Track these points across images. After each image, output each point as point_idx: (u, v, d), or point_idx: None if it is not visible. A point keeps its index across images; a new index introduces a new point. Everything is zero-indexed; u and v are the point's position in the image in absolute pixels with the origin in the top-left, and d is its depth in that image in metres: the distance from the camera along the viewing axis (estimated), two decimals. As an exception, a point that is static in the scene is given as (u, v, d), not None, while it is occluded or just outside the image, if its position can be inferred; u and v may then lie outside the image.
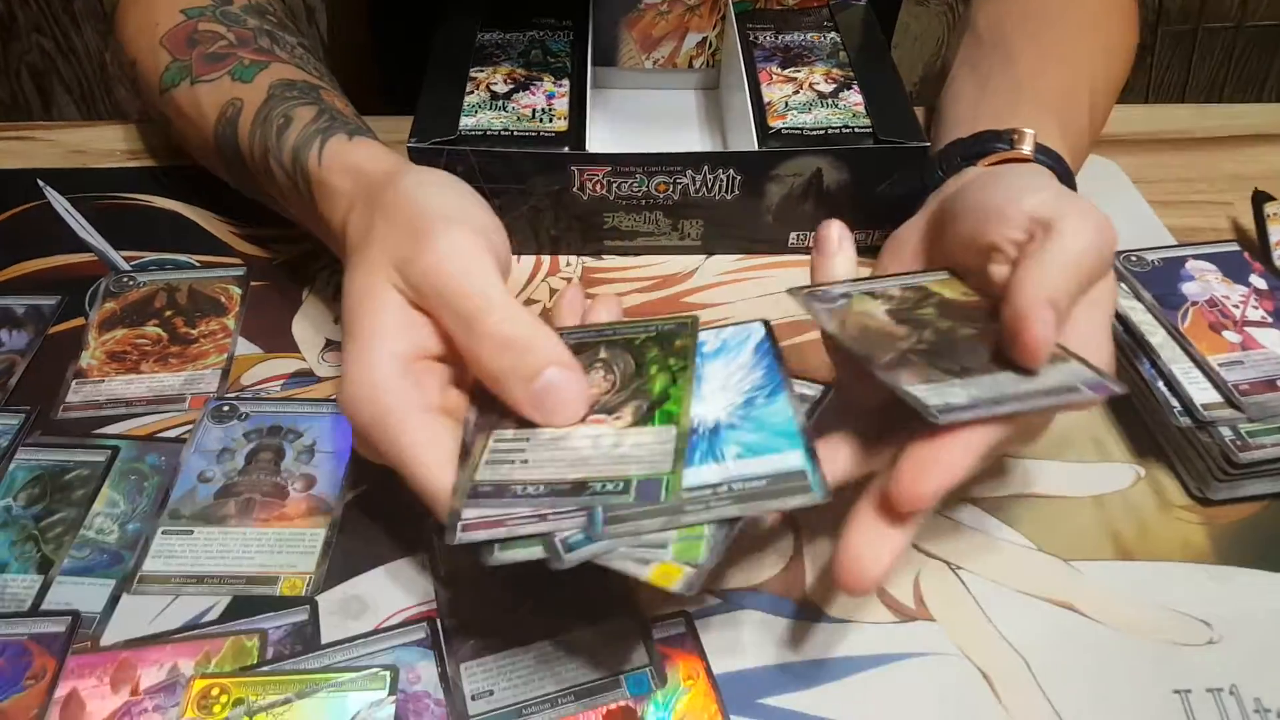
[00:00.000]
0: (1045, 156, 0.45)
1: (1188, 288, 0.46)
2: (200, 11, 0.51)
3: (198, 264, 0.52)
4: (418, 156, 0.48)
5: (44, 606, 0.37)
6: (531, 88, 0.52)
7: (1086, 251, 0.34)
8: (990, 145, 0.46)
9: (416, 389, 0.33)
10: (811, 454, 0.32)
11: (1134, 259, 0.47)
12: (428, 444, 0.32)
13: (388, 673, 0.35)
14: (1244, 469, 0.40)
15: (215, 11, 0.51)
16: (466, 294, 0.33)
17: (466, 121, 0.49)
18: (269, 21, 0.52)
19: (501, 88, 0.52)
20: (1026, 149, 0.45)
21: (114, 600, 0.37)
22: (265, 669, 0.35)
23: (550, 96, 0.51)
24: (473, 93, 0.51)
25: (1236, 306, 0.45)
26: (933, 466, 0.30)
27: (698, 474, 0.32)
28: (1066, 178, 0.46)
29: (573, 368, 0.33)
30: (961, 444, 0.31)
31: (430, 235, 0.34)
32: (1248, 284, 0.46)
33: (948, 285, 0.37)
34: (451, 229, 0.34)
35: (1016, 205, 0.36)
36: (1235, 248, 0.48)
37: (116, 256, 0.52)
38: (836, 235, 0.39)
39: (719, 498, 0.31)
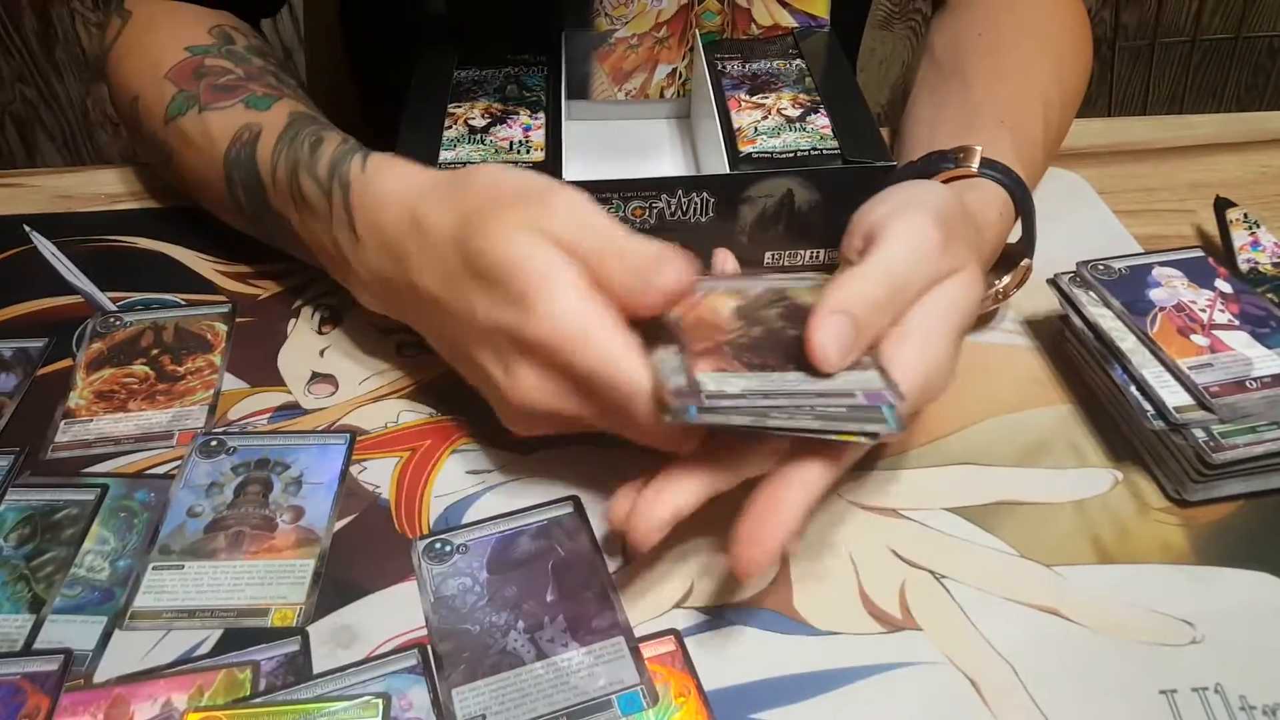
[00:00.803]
0: (993, 170, 0.47)
1: (1155, 294, 0.47)
2: (205, 49, 0.52)
3: (183, 302, 0.52)
4: (398, 190, 0.49)
5: (36, 645, 0.37)
6: (508, 121, 0.53)
7: (896, 260, 0.37)
8: (937, 165, 0.48)
9: (598, 300, 0.36)
10: (892, 390, 0.35)
11: (1101, 268, 0.48)
12: (631, 348, 0.35)
13: (380, 700, 0.35)
14: (1219, 469, 0.41)
15: (220, 49, 0.52)
16: (612, 229, 0.37)
17: (446, 155, 0.50)
18: (271, 62, 0.53)
19: (479, 122, 0.53)
20: (973, 165, 0.47)
21: (106, 637, 0.37)
22: (258, 701, 0.35)
23: (527, 129, 0.52)
24: (451, 128, 0.52)
25: (1203, 311, 0.46)
26: (766, 530, 0.34)
27: (789, 380, 0.34)
28: (1017, 188, 0.47)
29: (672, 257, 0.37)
30: (796, 488, 0.35)
31: (559, 192, 0.38)
32: (1213, 288, 0.47)
33: (810, 291, 0.38)
34: (560, 190, 0.38)
35: (858, 220, 0.40)
36: (1200, 254, 0.49)
37: (103, 298, 0.53)
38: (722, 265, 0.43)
39: (802, 412, 0.33)
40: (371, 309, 0.46)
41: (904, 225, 0.38)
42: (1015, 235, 0.50)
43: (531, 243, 0.37)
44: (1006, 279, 0.49)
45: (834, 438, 0.34)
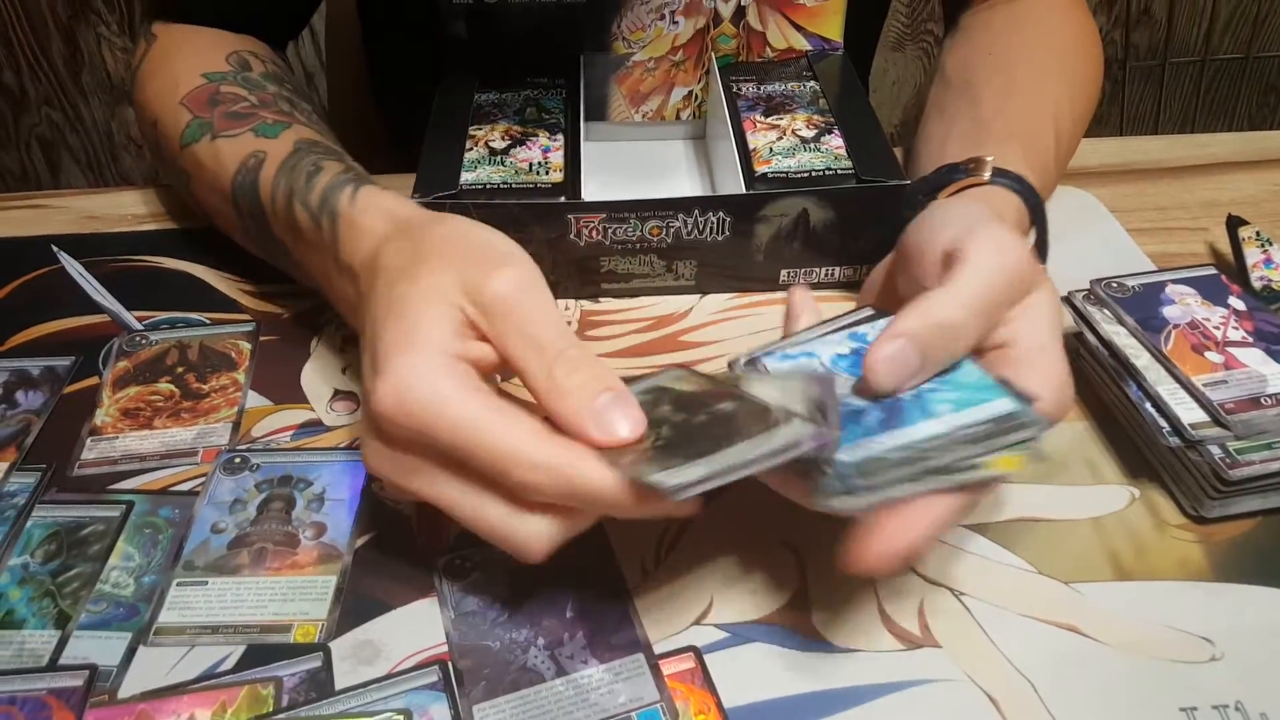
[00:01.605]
0: (1005, 179, 0.47)
1: (1169, 311, 0.47)
2: (222, 76, 0.53)
3: (208, 321, 0.53)
4: (419, 211, 0.50)
5: (62, 661, 0.38)
6: (528, 143, 0.54)
7: (982, 276, 0.36)
8: (949, 177, 0.48)
9: (469, 376, 0.34)
10: (1019, 397, 0.34)
11: (1114, 285, 0.48)
12: (497, 410, 0.33)
13: (402, 716, 0.35)
14: (1235, 486, 0.41)
15: (236, 76, 0.53)
16: (543, 321, 0.35)
17: (467, 176, 0.51)
18: (287, 88, 0.54)
19: (499, 144, 0.54)
20: (985, 175, 0.47)
21: (131, 653, 0.38)
22: (281, 717, 0.36)
23: (546, 150, 0.53)
24: (472, 149, 0.53)
25: (1217, 328, 0.46)
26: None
27: (921, 429, 0.33)
28: (1030, 195, 0.48)
29: (625, 392, 0.34)
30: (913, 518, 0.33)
31: (503, 264, 0.35)
32: (1227, 306, 0.47)
33: (682, 380, 0.38)
34: (521, 262, 0.36)
35: (932, 244, 0.39)
36: (1213, 271, 0.49)
37: (129, 316, 0.54)
38: (799, 301, 0.43)
39: (955, 443, 0.33)
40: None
41: (985, 246, 0.37)
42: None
43: (428, 304, 0.35)
44: None
45: (985, 468, 0.33)
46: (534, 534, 0.34)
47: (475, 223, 0.39)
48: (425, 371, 0.33)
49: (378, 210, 0.42)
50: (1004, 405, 0.34)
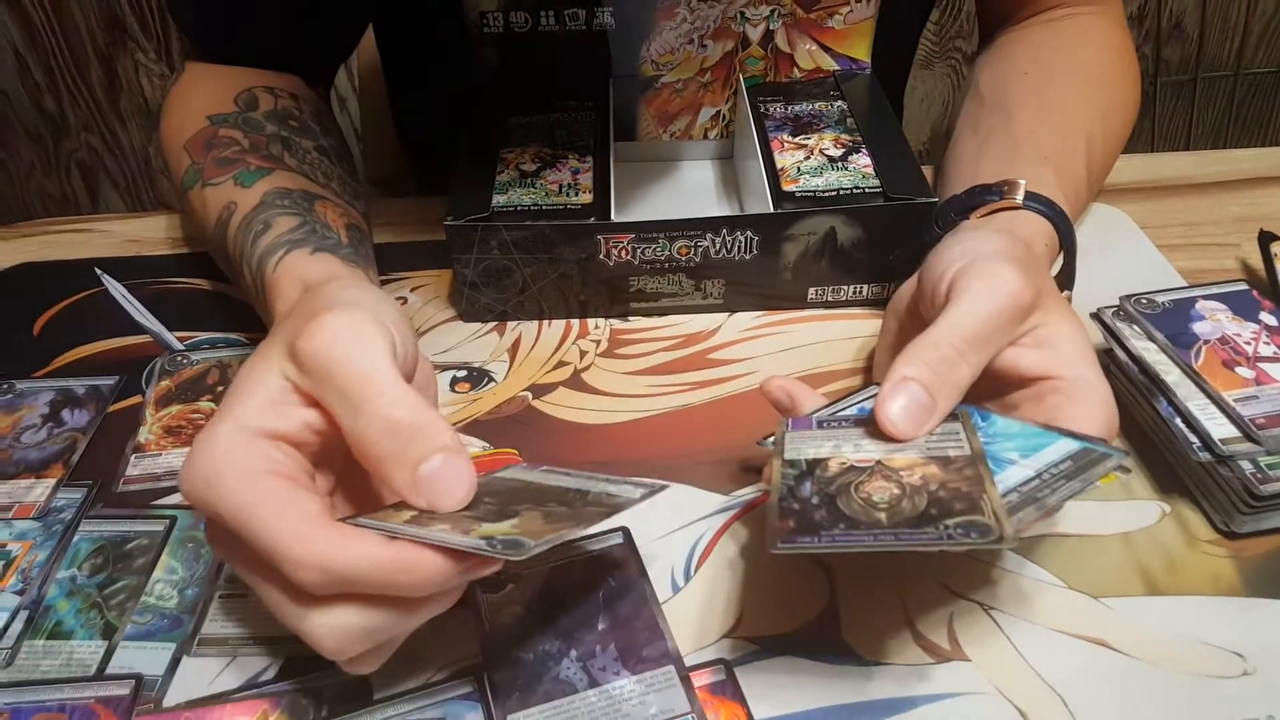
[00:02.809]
0: (1037, 203, 0.48)
1: (1199, 327, 0.47)
2: (225, 119, 0.53)
3: (246, 341, 0.55)
4: (454, 234, 0.51)
5: (109, 670, 0.39)
6: (558, 165, 0.55)
7: (971, 312, 0.37)
8: (981, 198, 0.49)
9: (262, 458, 0.32)
10: (1077, 435, 0.35)
11: (1144, 301, 0.48)
12: (270, 499, 0.31)
13: (437, 726, 0.36)
14: (1266, 501, 0.41)
15: (238, 119, 0.53)
16: (353, 374, 0.32)
17: (498, 199, 0.52)
18: (288, 127, 0.53)
19: (530, 166, 0.55)
20: (1018, 198, 0.47)
21: (175, 663, 0.39)
22: (320, 725, 0.36)
23: (575, 172, 0.54)
24: (503, 172, 0.54)
25: (1248, 343, 0.46)
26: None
27: (1007, 478, 0.34)
28: (1061, 221, 0.48)
29: (459, 452, 0.32)
30: None
31: (322, 316, 0.33)
32: (1258, 321, 0.47)
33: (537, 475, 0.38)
34: (345, 311, 0.33)
35: (943, 275, 0.40)
36: (1244, 287, 0.49)
37: (170, 337, 0.55)
38: (789, 385, 0.42)
39: (1051, 480, 0.34)
40: None
41: (980, 274, 0.38)
42: (1054, 268, 0.50)
43: (251, 376, 0.33)
44: None
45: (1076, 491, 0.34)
46: (328, 629, 0.31)
47: (349, 284, 0.37)
48: (211, 451, 0.32)
49: (291, 279, 0.41)
50: (1068, 446, 0.35)
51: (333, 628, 0.31)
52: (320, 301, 0.35)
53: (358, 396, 0.32)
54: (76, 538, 0.44)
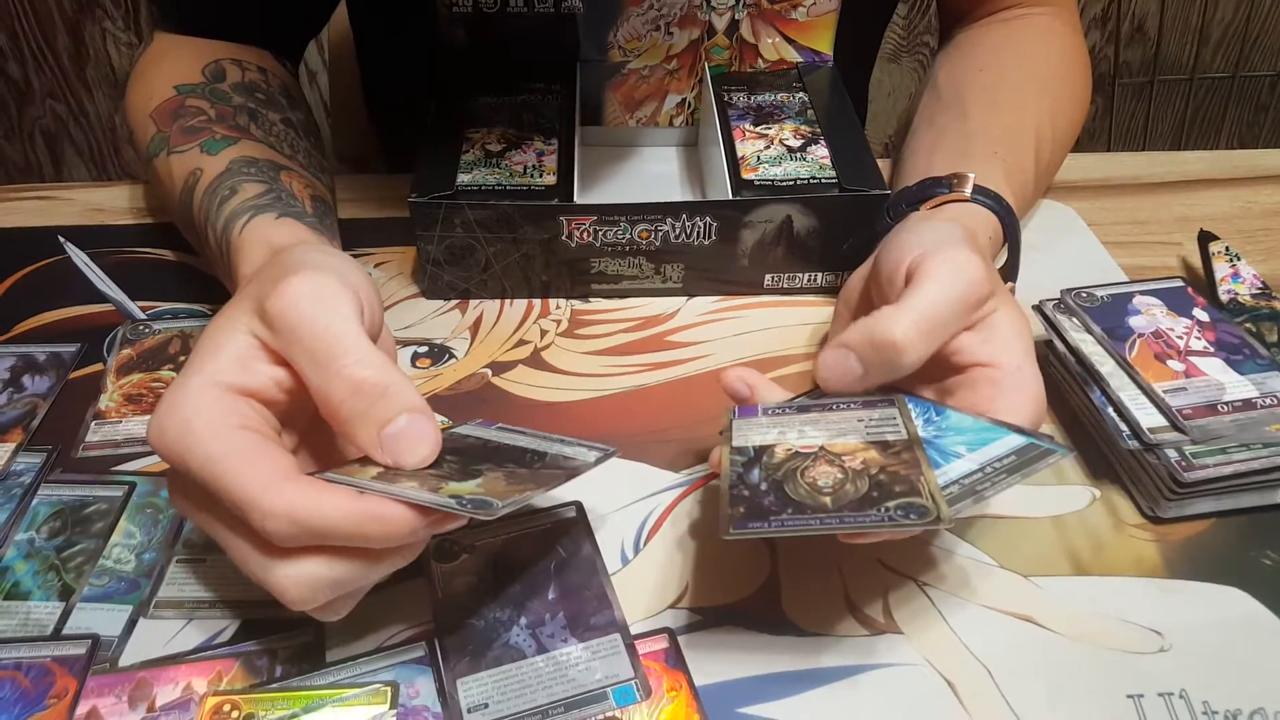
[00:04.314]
0: (984, 197, 0.49)
1: (1135, 321, 0.49)
2: (191, 89, 0.53)
3: (209, 312, 0.55)
4: (418, 211, 0.51)
5: (65, 631, 0.39)
6: (523, 146, 0.56)
7: (930, 298, 0.39)
8: (932, 190, 0.50)
9: (232, 411, 0.32)
10: (1023, 432, 0.37)
11: (1084, 295, 0.50)
12: (241, 451, 0.31)
13: (389, 689, 0.37)
14: (1190, 488, 0.43)
15: (205, 89, 0.53)
16: (320, 334, 0.32)
17: (463, 178, 0.53)
18: (255, 99, 0.54)
19: (495, 147, 0.56)
20: (966, 191, 0.49)
21: (131, 624, 0.40)
22: (274, 686, 0.37)
23: (540, 154, 0.55)
24: (468, 151, 0.55)
25: (1180, 338, 0.48)
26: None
27: (950, 471, 0.36)
28: (1007, 215, 0.50)
29: (424, 412, 0.33)
30: None
31: (290, 276, 0.33)
32: (1191, 317, 0.49)
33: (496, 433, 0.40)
34: (314, 273, 0.34)
35: (900, 261, 0.41)
36: (1179, 283, 0.51)
37: (133, 307, 0.56)
38: (749, 375, 0.43)
39: (992, 475, 0.35)
40: None
41: (946, 260, 0.40)
42: (1000, 260, 0.52)
43: (218, 333, 0.34)
44: None
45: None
46: (293, 580, 0.32)
47: (315, 249, 0.38)
48: (181, 404, 0.32)
49: (256, 241, 0.42)
50: (1014, 441, 0.37)
51: (298, 579, 0.32)
52: (288, 262, 0.36)
53: (325, 355, 0.32)
54: (35, 501, 0.44)
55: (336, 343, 0.33)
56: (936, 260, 0.40)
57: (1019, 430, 0.37)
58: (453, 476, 0.34)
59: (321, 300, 0.33)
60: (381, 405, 0.32)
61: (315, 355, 0.32)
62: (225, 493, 0.31)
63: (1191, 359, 0.47)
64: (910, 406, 0.39)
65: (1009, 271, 0.52)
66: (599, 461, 0.37)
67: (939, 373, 0.41)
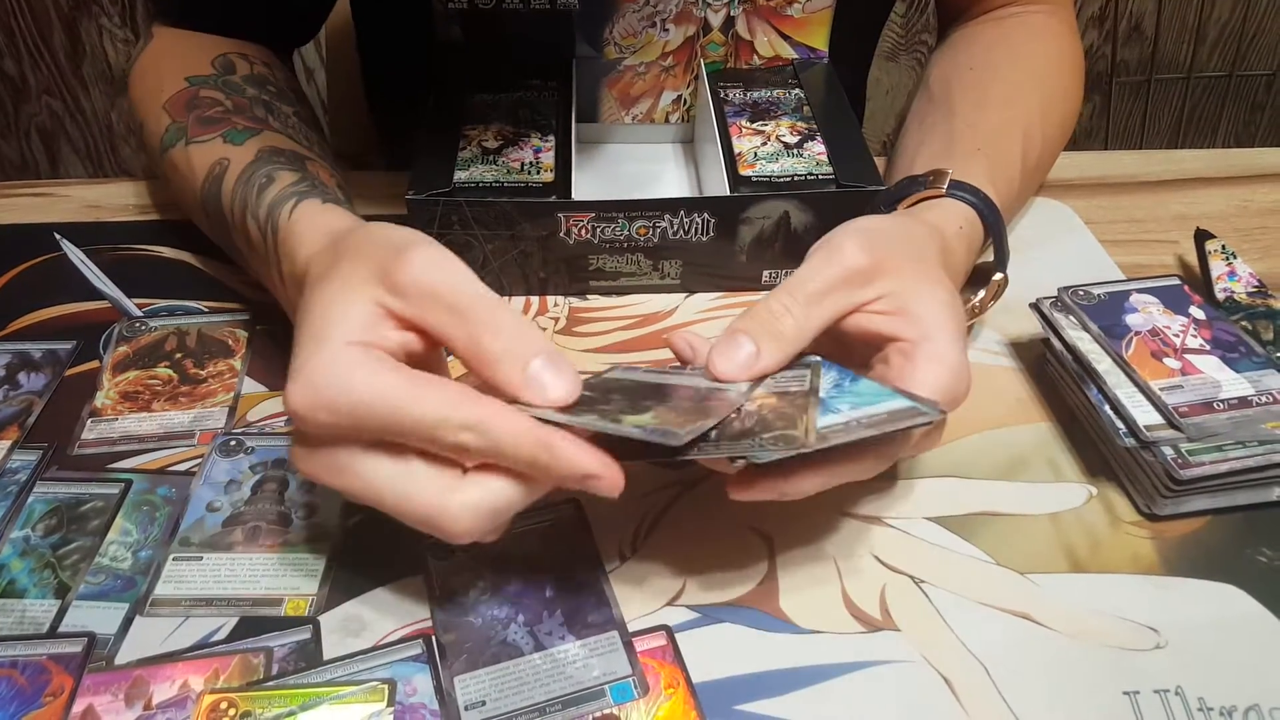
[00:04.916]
0: (962, 192, 0.50)
1: (1131, 319, 0.49)
2: (203, 80, 0.54)
3: (206, 310, 0.55)
4: (415, 208, 0.51)
5: (61, 629, 0.39)
6: (520, 143, 0.56)
7: (807, 272, 0.40)
8: (908, 189, 0.51)
9: (383, 358, 0.34)
10: (913, 398, 0.36)
11: (1081, 293, 0.50)
12: (418, 379, 0.33)
13: (386, 686, 0.37)
14: (1186, 485, 0.43)
15: (217, 80, 0.54)
16: (459, 291, 0.35)
17: (460, 175, 0.53)
18: (268, 92, 0.54)
19: (492, 144, 0.56)
20: (942, 186, 0.50)
21: (127, 622, 0.40)
22: (271, 684, 0.37)
23: (537, 151, 0.55)
24: (465, 149, 0.55)
25: (1177, 336, 0.48)
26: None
27: (826, 419, 0.36)
28: (984, 205, 0.50)
29: (558, 355, 0.36)
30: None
31: (413, 248, 0.36)
32: (1187, 315, 0.49)
33: (631, 372, 0.42)
34: (429, 245, 0.36)
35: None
36: (1176, 282, 0.51)
37: (129, 304, 0.55)
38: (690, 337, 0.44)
39: (854, 427, 0.35)
40: None
41: (822, 243, 0.41)
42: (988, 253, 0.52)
43: (341, 300, 0.35)
44: (981, 293, 0.51)
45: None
46: (464, 506, 0.34)
47: (389, 225, 0.39)
48: (332, 362, 0.34)
49: (311, 224, 0.43)
50: (898, 403, 0.36)
51: (475, 505, 0.34)
52: (387, 238, 0.37)
53: (467, 307, 0.35)
54: (31, 499, 0.44)
55: (476, 298, 0.35)
56: (816, 245, 0.41)
57: (908, 396, 0.37)
58: (625, 411, 0.35)
59: (447, 266, 0.36)
60: (523, 344, 0.35)
61: (458, 308, 0.35)
62: (412, 419, 0.33)
63: (1188, 357, 0.47)
64: (826, 371, 0.39)
65: (997, 263, 0.52)
66: (743, 396, 0.37)
67: (866, 354, 0.41)
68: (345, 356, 0.34)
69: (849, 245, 0.40)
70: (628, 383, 0.40)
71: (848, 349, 0.41)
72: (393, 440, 0.34)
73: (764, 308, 0.39)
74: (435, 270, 0.35)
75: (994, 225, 0.51)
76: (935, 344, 0.39)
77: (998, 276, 0.52)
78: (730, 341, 0.38)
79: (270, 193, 0.45)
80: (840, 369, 0.39)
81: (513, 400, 0.35)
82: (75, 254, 0.59)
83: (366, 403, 0.33)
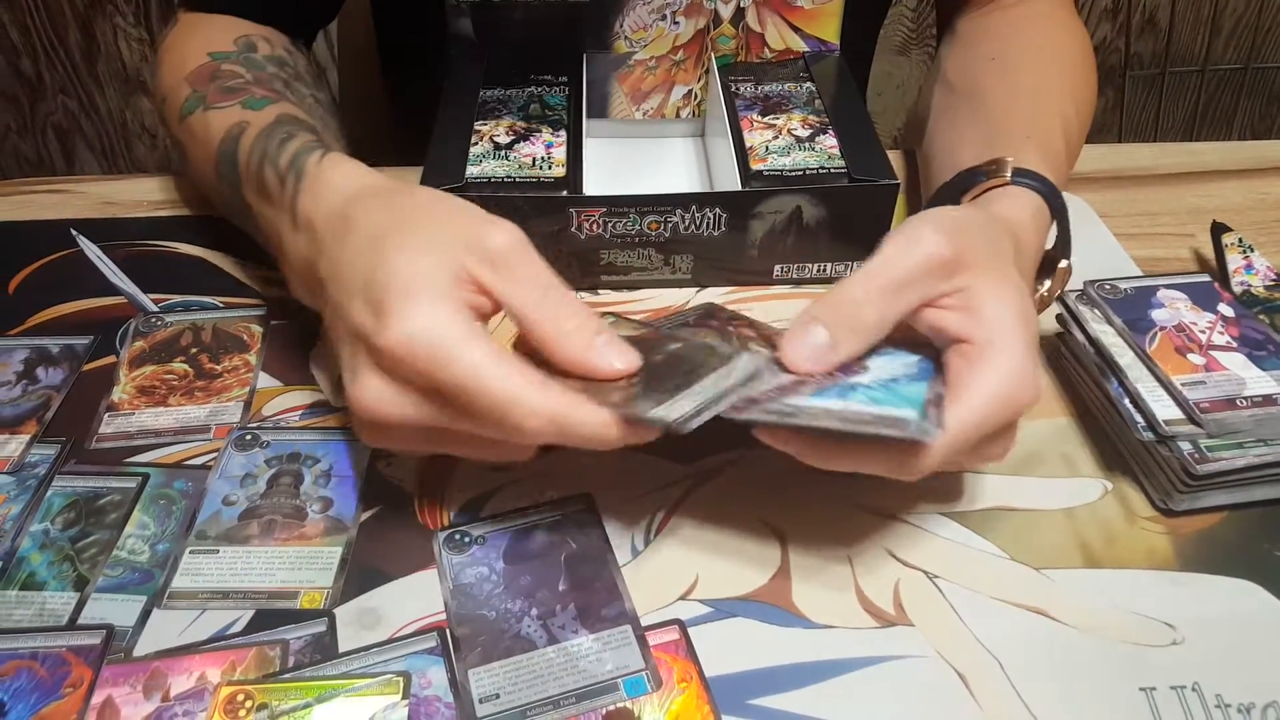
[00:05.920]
0: (1026, 178, 0.48)
1: (1157, 314, 0.48)
2: (225, 55, 0.55)
3: (221, 305, 0.55)
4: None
5: (80, 621, 0.40)
6: (531, 138, 0.56)
7: (883, 261, 0.39)
8: (970, 180, 0.49)
9: (471, 324, 0.37)
10: (924, 413, 0.35)
11: (1107, 287, 0.50)
12: (498, 358, 0.36)
13: (401, 679, 0.37)
14: (1203, 481, 0.43)
15: (239, 56, 0.55)
16: (540, 267, 0.39)
17: (472, 170, 0.53)
18: (287, 71, 0.56)
19: (504, 139, 0.56)
20: (1006, 175, 0.48)
21: (145, 615, 0.40)
22: (287, 676, 0.38)
23: (549, 146, 0.55)
24: (477, 144, 0.55)
25: (1203, 332, 0.47)
26: None
27: (822, 399, 0.36)
28: (1051, 192, 0.48)
29: (613, 333, 0.39)
30: None
31: (495, 222, 0.39)
32: (1215, 312, 0.49)
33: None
34: (508, 221, 0.39)
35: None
36: (1206, 278, 0.51)
37: (145, 299, 0.56)
38: None
39: (819, 414, 0.35)
40: (297, 296, 0.47)
41: (901, 231, 0.39)
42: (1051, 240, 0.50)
43: (428, 252, 0.37)
44: (1049, 283, 0.50)
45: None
46: (544, 401, 0.36)
47: (445, 193, 0.42)
48: (432, 315, 0.36)
49: (343, 172, 0.44)
50: (905, 413, 0.35)
51: (549, 405, 0.36)
52: (464, 206, 0.40)
53: (546, 284, 0.38)
54: (50, 492, 0.45)
55: (552, 275, 0.39)
56: (893, 232, 0.40)
57: (924, 412, 0.36)
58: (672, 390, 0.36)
59: (530, 245, 0.39)
60: (591, 320, 0.38)
61: (539, 282, 0.38)
62: (487, 395, 0.35)
63: (1213, 353, 0.46)
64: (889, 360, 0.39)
65: (1062, 249, 0.50)
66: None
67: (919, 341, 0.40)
68: (443, 313, 0.36)
69: (931, 235, 0.39)
70: (659, 357, 0.40)
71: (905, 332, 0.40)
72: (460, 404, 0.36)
73: (844, 296, 0.38)
74: (523, 249, 0.38)
75: (1059, 212, 0.49)
76: (998, 351, 0.37)
77: (1063, 264, 0.49)
78: (805, 330, 0.38)
79: (293, 144, 0.46)
80: (925, 364, 0.39)
81: (576, 374, 0.38)
82: (91, 250, 0.59)
83: (455, 367, 0.35)
